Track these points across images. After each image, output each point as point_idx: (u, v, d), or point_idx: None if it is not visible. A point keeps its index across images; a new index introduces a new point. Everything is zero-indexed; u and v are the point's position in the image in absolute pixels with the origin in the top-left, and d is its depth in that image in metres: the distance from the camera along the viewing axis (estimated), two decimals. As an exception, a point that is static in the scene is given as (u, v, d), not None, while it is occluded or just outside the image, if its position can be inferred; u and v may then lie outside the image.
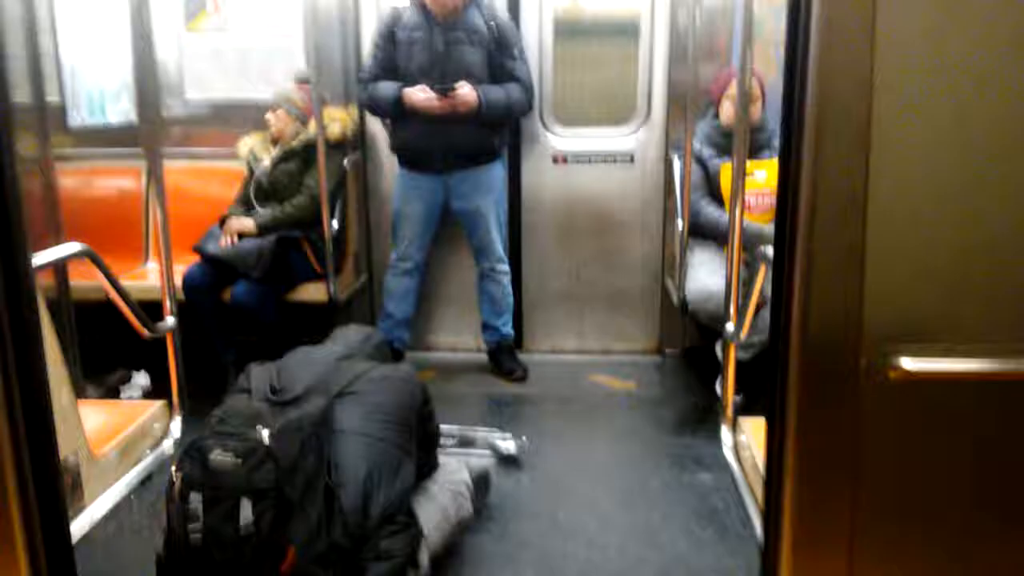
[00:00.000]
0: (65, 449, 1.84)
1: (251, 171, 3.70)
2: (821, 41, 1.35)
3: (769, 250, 3.00)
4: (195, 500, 1.89)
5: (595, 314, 4.08)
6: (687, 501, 2.74)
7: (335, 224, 3.59)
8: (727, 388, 2.95)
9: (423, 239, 3.76)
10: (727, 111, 3.45)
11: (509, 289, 3.82)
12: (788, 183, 1.42)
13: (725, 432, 3.03)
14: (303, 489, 1.96)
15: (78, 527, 1.92)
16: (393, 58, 3.54)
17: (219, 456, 1.92)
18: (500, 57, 3.50)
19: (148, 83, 3.17)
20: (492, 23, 3.50)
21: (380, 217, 4.00)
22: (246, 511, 1.87)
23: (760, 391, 3.28)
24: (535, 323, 4.09)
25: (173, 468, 1.98)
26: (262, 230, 3.51)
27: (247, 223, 3.53)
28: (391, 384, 2.28)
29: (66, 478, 1.82)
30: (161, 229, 2.31)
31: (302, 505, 1.96)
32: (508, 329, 3.85)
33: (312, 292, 3.60)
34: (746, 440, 2.61)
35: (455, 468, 2.53)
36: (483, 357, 3.91)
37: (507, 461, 2.97)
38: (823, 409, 1.38)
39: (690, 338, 3.92)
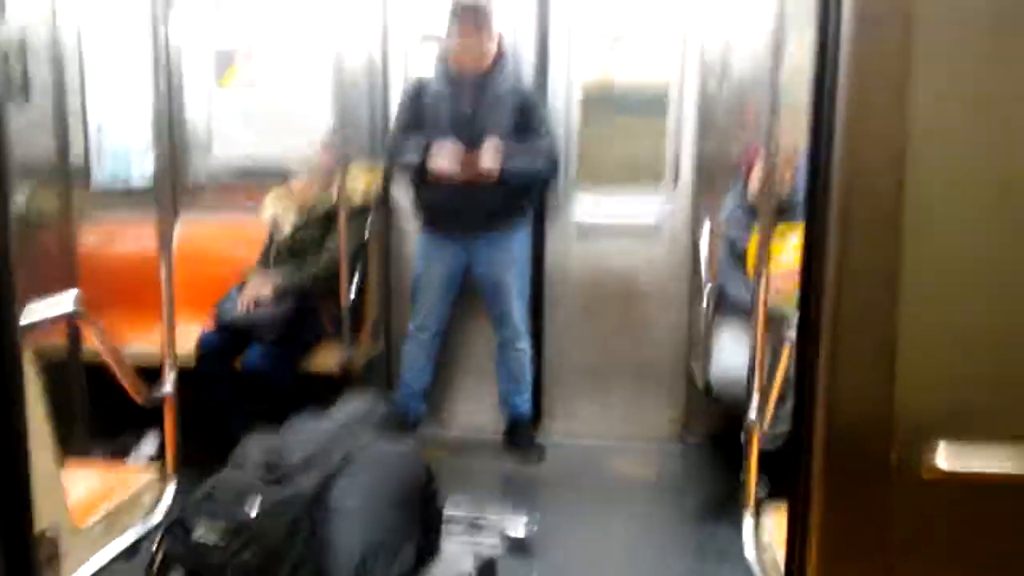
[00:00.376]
0: (45, 519, 1.74)
1: (272, 233, 3.67)
2: (849, 107, 1.25)
3: (793, 332, 2.89)
4: (175, 580, 1.79)
5: (618, 393, 3.92)
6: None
7: (353, 289, 3.52)
8: (748, 479, 2.78)
9: (443, 306, 3.67)
10: (755, 184, 3.37)
11: (529, 365, 3.70)
12: (812, 260, 1.31)
13: (746, 525, 2.85)
14: (290, 573, 1.84)
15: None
16: (419, 120, 3.51)
17: (203, 535, 1.82)
18: (525, 121, 3.46)
19: (170, 141, 3.20)
20: (519, 88, 3.49)
21: (401, 283, 3.92)
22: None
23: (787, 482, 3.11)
24: (555, 399, 3.94)
25: (155, 544, 1.88)
26: (280, 294, 3.44)
27: (265, 288, 3.46)
28: (393, 459, 2.17)
29: (45, 550, 1.71)
30: (165, 291, 2.25)
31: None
32: (526, 407, 3.72)
33: (327, 360, 3.50)
34: (767, 535, 2.45)
35: (458, 555, 2.39)
36: (498, 434, 3.76)
37: (518, 547, 2.81)
38: (849, 507, 1.24)
39: (715, 422, 3.75)
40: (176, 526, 1.84)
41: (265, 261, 3.63)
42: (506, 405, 3.72)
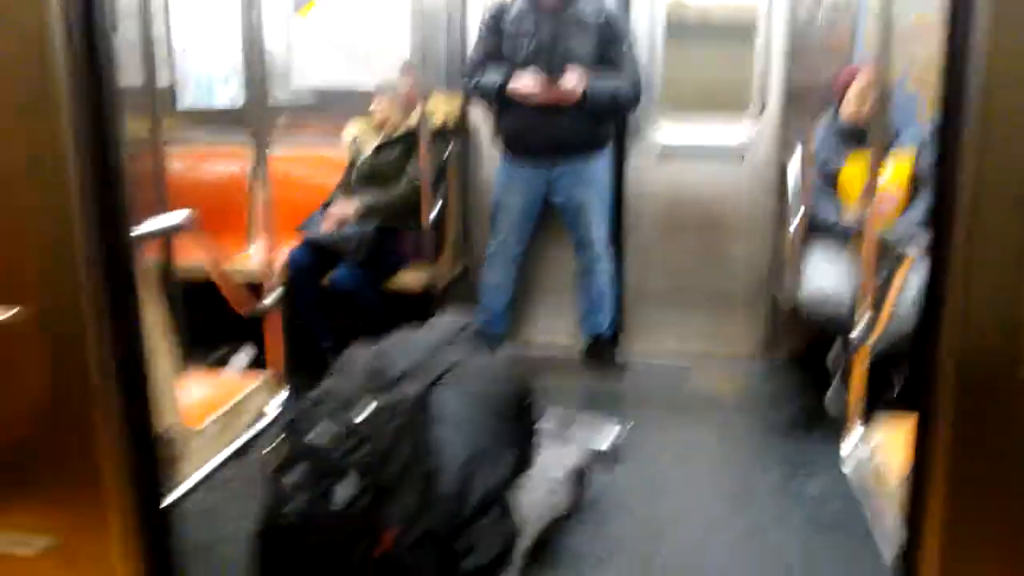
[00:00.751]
0: (164, 421, 1.83)
1: (354, 158, 3.71)
2: (989, 16, 1.22)
3: (905, 250, 2.85)
4: (291, 478, 1.87)
5: (697, 315, 3.93)
6: (799, 507, 2.60)
7: (434, 211, 3.56)
8: (853, 391, 2.78)
9: (522, 231, 3.68)
10: (849, 107, 3.29)
11: (610, 285, 3.71)
12: (946, 174, 1.29)
13: (848, 440, 2.86)
14: (399, 473, 1.91)
15: (175, 499, 1.92)
16: (499, 48, 3.49)
17: (317, 436, 1.90)
18: (609, 49, 3.41)
19: (256, 69, 3.19)
20: (601, 14, 3.41)
21: (479, 207, 3.94)
22: (342, 492, 1.84)
23: (878, 397, 3.10)
24: (634, 321, 3.96)
25: (271, 445, 1.96)
26: (364, 216, 3.50)
27: (349, 209, 3.53)
28: (492, 372, 2.22)
29: (165, 450, 1.81)
30: (262, 209, 2.30)
31: (398, 490, 1.91)
32: (607, 326, 3.74)
33: (411, 279, 3.58)
34: (870, 448, 2.45)
35: (551, 463, 2.45)
36: (578, 352, 3.81)
37: (604, 456, 2.87)
38: (977, 421, 1.25)
39: (797, 342, 3.73)
40: (291, 429, 1.93)
41: (347, 184, 3.69)
42: (587, 324, 3.75)
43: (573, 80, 3.32)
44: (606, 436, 2.91)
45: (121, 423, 1.57)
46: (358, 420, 1.91)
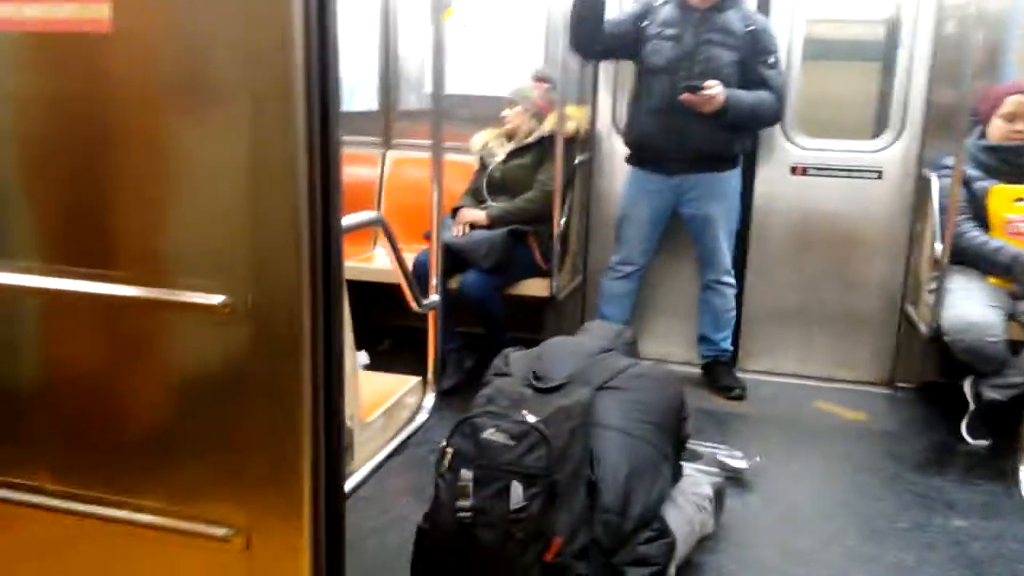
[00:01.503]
0: (346, 412, 1.86)
1: (483, 164, 3.75)
2: None
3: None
4: (466, 476, 1.88)
5: (821, 336, 3.84)
6: (943, 546, 2.50)
7: (562, 221, 3.57)
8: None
9: (648, 243, 3.65)
10: (997, 129, 3.20)
11: (733, 303, 3.66)
12: None
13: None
14: (570, 479, 1.91)
15: (348, 487, 1.94)
16: (628, 33, 3.45)
17: (492, 435, 1.90)
18: (754, 62, 3.35)
19: (390, 74, 3.25)
20: (751, 26, 3.36)
21: (600, 218, 3.94)
22: (517, 492, 1.84)
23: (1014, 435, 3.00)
24: (754, 341, 3.90)
25: (444, 442, 1.98)
26: (494, 222, 3.53)
27: (479, 214, 3.56)
28: (653, 383, 2.20)
29: (346, 440, 1.83)
30: (435, 206, 2.32)
31: (568, 495, 1.91)
32: (727, 344, 3.70)
33: (535, 287, 3.59)
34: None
35: (698, 479, 2.42)
36: (695, 371, 3.76)
37: (734, 480, 2.82)
38: None
39: (929, 371, 3.63)
40: (465, 427, 1.94)
41: (476, 190, 3.72)
42: (707, 343, 3.71)
43: (717, 87, 3.27)
44: (737, 458, 2.86)
45: (322, 413, 1.60)
46: (533, 420, 1.91)
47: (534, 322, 3.86)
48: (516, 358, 2.23)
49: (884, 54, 3.71)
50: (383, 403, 2.28)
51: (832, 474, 3.03)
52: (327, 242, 1.58)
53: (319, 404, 1.59)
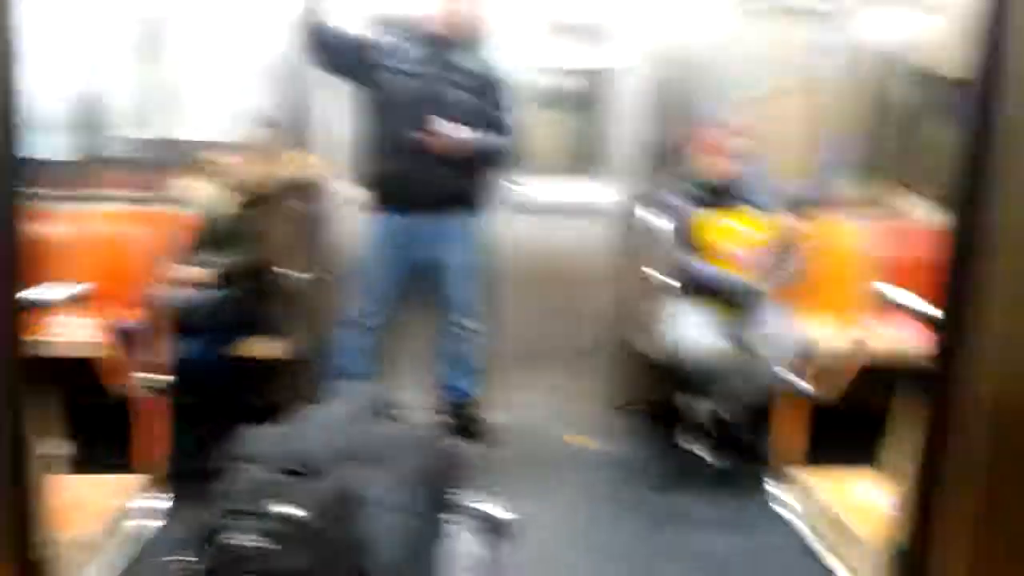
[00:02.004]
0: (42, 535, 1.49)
1: (205, 216, 3.35)
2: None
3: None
4: (219, 593, 1.58)
5: (553, 372, 3.93)
6: (705, 566, 2.58)
7: (296, 275, 3.31)
8: (793, 442, 2.85)
9: (389, 293, 3.48)
10: (704, 164, 3.44)
11: (473, 347, 3.58)
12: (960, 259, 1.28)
13: (776, 487, 2.93)
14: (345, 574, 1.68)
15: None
16: (361, 58, 3.28)
17: (243, 539, 1.62)
18: (489, 106, 3.35)
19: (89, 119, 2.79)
20: (488, 71, 3.38)
21: (336, 270, 3.71)
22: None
23: (749, 450, 3.21)
24: (496, 383, 3.86)
25: (179, 558, 1.66)
26: (219, 280, 3.17)
27: (201, 274, 3.18)
28: (423, 448, 2.03)
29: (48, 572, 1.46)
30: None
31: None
32: (472, 390, 3.61)
33: (266, 348, 3.28)
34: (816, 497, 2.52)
35: (467, 541, 2.28)
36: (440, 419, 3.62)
37: (493, 530, 2.71)
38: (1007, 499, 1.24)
39: (649, 392, 3.80)
40: (207, 537, 1.62)
41: (199, 244, 3.32)
42: (450, 389, 3.60)
43: (464, 130, 3.22)
44: (495, 507, 2.76)
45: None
46: (295, 514, 1.65)
47: (270, 386, 3.52)
48: (259, 438, 1.95)
49: (599, 100, 3.87)
50: (104, 512, 1.89)
51: (591, 507, 3.07)
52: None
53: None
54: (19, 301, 1.31)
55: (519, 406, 3.88)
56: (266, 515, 1.66)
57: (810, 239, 3.52)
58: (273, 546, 1.62)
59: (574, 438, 3.65)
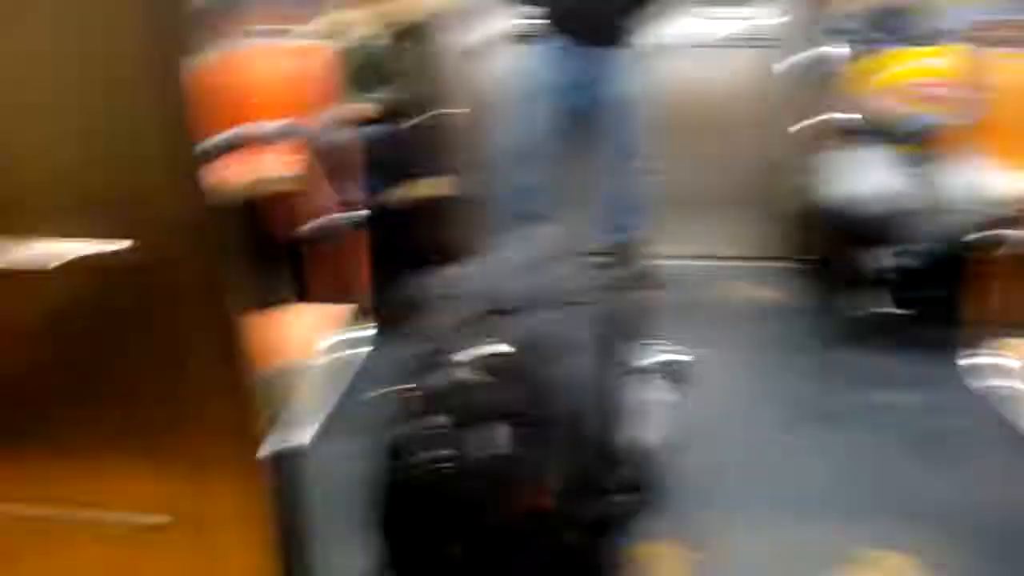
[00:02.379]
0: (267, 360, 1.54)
1: (352, 49, 3.26)
2: None
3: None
4: (439, 422, 1.62)
5: (715, 220, 3.76)
6: (891, 424, 2.50)
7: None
8: (984, 300, 2.68)
9: (552, 128, 3.35)
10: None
11: (644, 187, 3.45)
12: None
13: (969, 350, 2.76)
14: (552, 413, 1.69)
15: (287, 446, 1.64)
16: None
17: (464, 371, 1.64)
18: None
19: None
20: None
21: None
22: (502, 436, 1.60)
23: (935, 304, 3.02)
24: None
25: (402, 385, 1.70)
26: (384, 117, 3.12)
27: (365, 108, 3.13)
28: (607, 293, 2.00)
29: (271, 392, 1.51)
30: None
31: (552, 432, 1.69)
32: (643, 229, 3.52)
33: (432, 188, 3.24)
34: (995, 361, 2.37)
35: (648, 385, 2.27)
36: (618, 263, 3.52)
37: (674, 375, 2.70)
38: None
39: (820, 243, 3.62)
40: (426, 362, 1.66)
41: (355, 80, 3.26)
42: (619, 229, 3.50)
43: None
44: (675, 353, 2.73)
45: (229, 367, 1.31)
46: (506, 350, 1.66)
47: (439, 227, 3.51)
48: (459, 277, 1.95)
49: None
50: (316, 342, 1.96)
51: (766, 359, 2.99)
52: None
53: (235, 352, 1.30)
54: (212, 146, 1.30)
55: (683, 255, 3.77)
56: (481, 350, 1.67)
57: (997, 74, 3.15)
58: (491, 379, 1.63)
59: (742, 287, 3.53)
